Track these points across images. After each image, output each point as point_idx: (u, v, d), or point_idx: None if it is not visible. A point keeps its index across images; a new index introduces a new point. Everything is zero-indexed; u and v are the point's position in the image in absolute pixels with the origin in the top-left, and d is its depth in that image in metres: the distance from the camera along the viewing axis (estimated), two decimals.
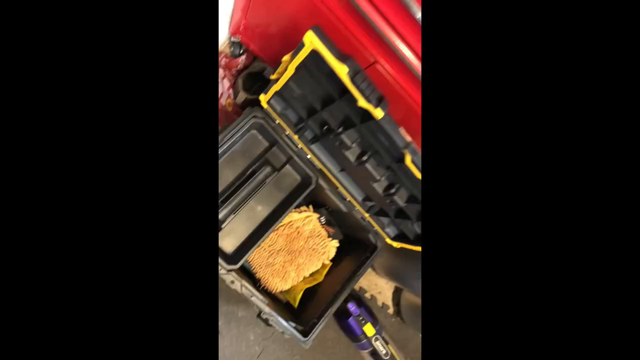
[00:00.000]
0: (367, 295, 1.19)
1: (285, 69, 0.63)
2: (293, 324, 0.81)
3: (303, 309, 0.93)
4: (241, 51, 0.98)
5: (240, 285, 0.75)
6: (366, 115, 0.56)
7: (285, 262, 0.97)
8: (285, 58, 0.61)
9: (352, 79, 0.52)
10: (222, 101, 1.00)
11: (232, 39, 0.94)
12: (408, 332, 1.24)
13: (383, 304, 1.21)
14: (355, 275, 0.87)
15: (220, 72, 0.98)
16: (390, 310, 1.22)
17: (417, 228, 0.79)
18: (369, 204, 0.85)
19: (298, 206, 1.01)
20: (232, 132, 0.76)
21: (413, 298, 1.17)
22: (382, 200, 0.74)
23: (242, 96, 0.97)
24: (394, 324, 1.22)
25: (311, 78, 0.62)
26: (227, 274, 0.75)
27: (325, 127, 0.71)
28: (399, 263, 1.03)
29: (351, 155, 0.70)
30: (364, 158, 0.67)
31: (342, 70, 0.52)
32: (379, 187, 0.71)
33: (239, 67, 1.00)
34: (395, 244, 0.88)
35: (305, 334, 0.81)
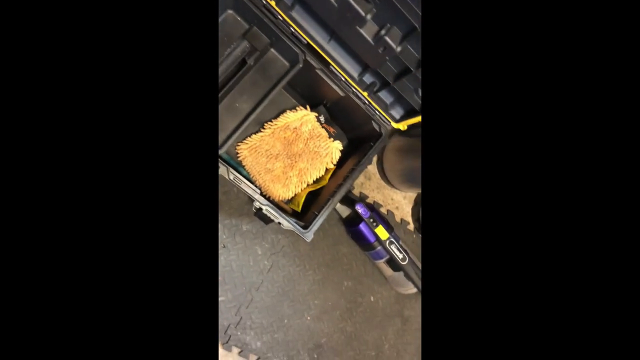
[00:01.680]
0: (383, 210, 1.10)
1: None
2: (294, 220, 0.74)
3: (306, 211, 0.86)
4: None
5: (226, 170, 0.68)
6: None
7: (285, 167, 0.89)
8: None
9: None
10: None
11: None
12: None
13: (402, 220, 1.12)
14: (359, 165, 0.78)
15: None
16: (411, 227, 1.12)
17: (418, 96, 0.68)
18: (367, 79, 0.74)
19: (293, 100, 0.92)
20: None
21: None
22: (377, 58, 0.63)
23: None
24: (416, 240, 1.12)
25: None
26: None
27: None
28: (410, 162, 0.93)
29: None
30: None
31: None
32: (368, 34, 0.59)
33: None
34: (402, 126, 0.78)
35: (305, 227, 0.74)
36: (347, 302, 1.01)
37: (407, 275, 0.91)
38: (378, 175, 1.10)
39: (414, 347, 1.09)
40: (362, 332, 1.02)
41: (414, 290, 0.96)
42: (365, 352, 1.02)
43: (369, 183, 1.09)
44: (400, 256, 0.89)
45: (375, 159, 1.09)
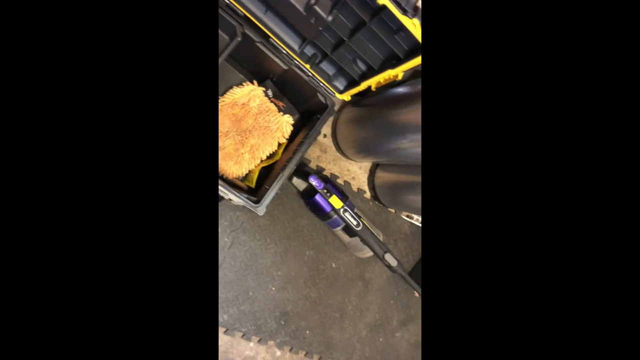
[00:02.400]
0: (340, 181, 1.13)
1: None
2: (245, 195, 0.76)
3: (260, 186, 0.87)
4: None
5: None
6: None
7: (236, 144, 0.89)
8: None
9: None
10: None
11: None
12: (388, 214, 1.20)
13: (358, 189, 1.16)
14: (308, 137, 0.80)
15: None
16: (367, 195, 1.17)
17: (360, 65, 0.70)
18: (308, 51, 0.74)
19: (237, 81, 0.91)
20: None
21: (386, 175, 1.11)
22: (311, 29, 0.63)
23: None
24: (373, 207, 1.18)
25: None
26: None
27: None
28: (363, 132, 0.95)
29: None
30: None
31: None
32: (299, 4, 0.59)
33: None
34: (346, 96, 0.79)
35: (257, 202, 0.75)
36: (310, 271, 1.06)
37: (362, 240, 0.96)
38: (334, 148, 1.12)
39: (376, 305, 1.18)
40: (326, 296, 1.08)
41: (371, 253, 1.02)
42: (330, 315, 1.09)
43: (325, 156, 1.11)
44: (355, 223, 0.94)
45: (329, 131, 1.11)
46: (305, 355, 1.05)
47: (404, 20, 0.47)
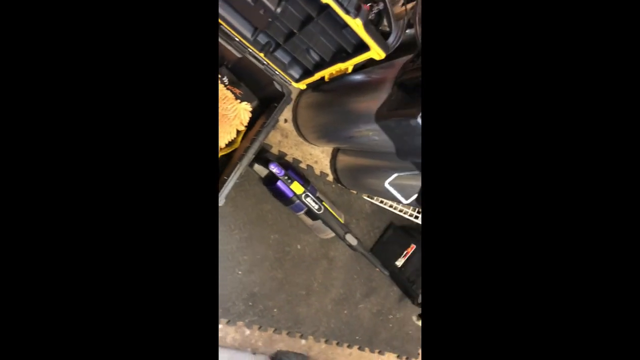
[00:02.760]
0: (303, 165, 1.15)
1: None
2: None
3: (220, 176, 0.87)
4: None
5: None
6: None
7: None
8: None
9: None
10: None
11: None
12: (350, 195, 1.25)
13: (321, 172, 1.19)
14: (265, 126, 0.80)
15: None
16: (330, 178, 1.21)
17: (314, 55, 0.70)
18: (261, 40, 0.73)
19: None
20: None
21: (346, 159, 1.15)
22: (260, 19, 0.62)
23: None
24: (335, 189, 1.22)
25: None
26: None
27: None
28: (323, 118, 0.97)
29: None
30: None
31: None
32: None
33: None
34: (302, 85, 0.80)
35: None
36: (275, 253, 1.10)
37: (324, 223, 1.01)
38: (295, 133, 1.13)
39: (340, 281, 1.25)
40: (292, 276, 1.14)
41: (333, 234, 1.07)
42: (297, 293, 1.15)
43: (287, 141, 1.12)
44: (316, 207, 0.97)
45: (290, 116, 1.11)
46: (274, 331, 1.11)
47: (347, 19, 0.48)
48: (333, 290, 1.23)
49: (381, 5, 0.81)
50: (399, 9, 0.85)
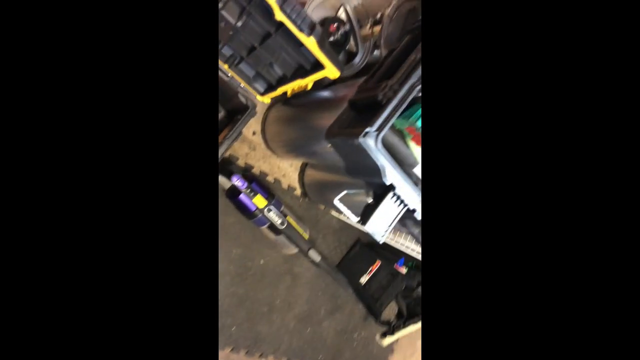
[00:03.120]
0: (270, 178, 1.14)
1: None
2: None
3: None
4: None
5: None
6: None
7: None
8: None
9: None
10: None
11: None
12: (318, 210, 1.25)
13: (289, 186, 1.18)
14: (226, 139, 0.79)
15: None
16: (297, 192, 1.20)
17: (277, 70, 0.70)
18: (226, 52, 0.73)
19: None
20: None
21: (314, 173, 1.15)
22: (222, 32, 0.62)
23: None
24: (303, 204, 1.21)
25: None
26: None
27: None
28: (293, 132, 0.97)
29: None
30: None
31: None
32: None
33: None
34: (266, 99, 0.80)
35: None
36: (237, 268, 1.07)
37: (288, 238, 0.99)
38: (264, 145, 1.12)
39: (304, 298, 1.23)
40: (254, 292, 1.10)
41: (296, 250, 1.05)
42: (258, 309, 1.12)
43: (254, 153, 1.11)
44: (279, 221, 0.96)
45: (259, 128, 1.11)
46: (231, 350, 1.07)
47: (301, 37, 0.48)
48: (296, 307, 1.20)
49: (348, 27, 0.83)
50: (366, 31, 0.88)
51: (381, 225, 0.47)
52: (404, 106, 0.44)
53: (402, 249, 1.16)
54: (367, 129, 0.42)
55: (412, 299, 1.20)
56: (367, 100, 0.46)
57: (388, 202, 0.47)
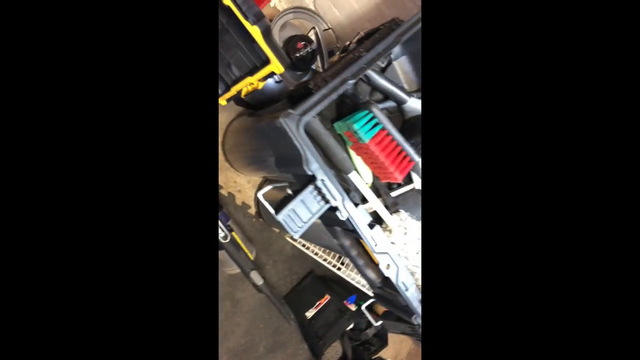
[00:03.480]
0: (224, 192, 1.09)
1: None
2: None
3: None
4: None
5: None
6: None
7: None
8: None
9: None
10: None
11: None
12: (271, 233, 1.18)
13: (243, 203, 1.13)
14: None
15: None
16: (252, 210, 1.14)
17: (235, 71, 0.70)
18: None
19: None
20: None
21: (272, 193, 1.10)
22: None
23: None
24: (256, 224, 1.15)
25: None
26: None
27: None
28: (254, 145, 0.94)
29: None
30: None
31: None
32: None
33: None
34: (222, 101, 0.78)
35: None
36: None
37: (228, 254, 0.92)
38: (222, 157, 1.09)
39: (243, 328, 1.11)
40: None
41: (238, 270, 0.97)
42: None
43: None
44: (221, 235, 0.89)
45: (219, 139, 1.08)
46: None
47: (247, 24, 0.48)
48: (232, 339, 1.08)
49: (314, 46, 0.86)
50: (334, 59, 0.91)
51: (297, 220, 0.43)
52: (333, 97, 0.43)
53: (358, 285, 1.09)
54: (290, 110, 0.40)
55: (360, 342, 1.10)
56: (300, 91, 0.45)
57: (307, 194, 0.43)
